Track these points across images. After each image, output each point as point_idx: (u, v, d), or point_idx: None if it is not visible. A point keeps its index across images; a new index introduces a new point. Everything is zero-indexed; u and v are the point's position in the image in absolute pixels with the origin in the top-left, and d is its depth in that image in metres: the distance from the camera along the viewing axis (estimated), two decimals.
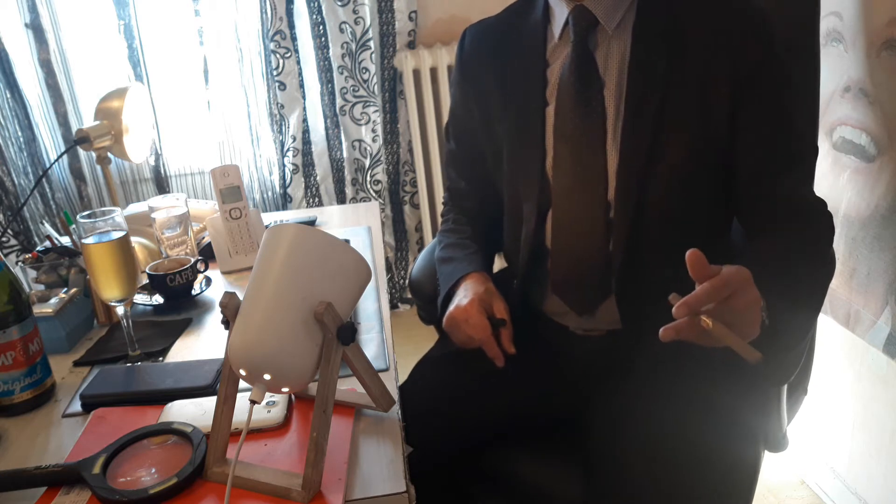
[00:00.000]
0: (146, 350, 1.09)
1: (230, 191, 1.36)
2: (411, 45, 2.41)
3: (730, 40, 0.98)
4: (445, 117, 2.36)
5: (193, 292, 1.27)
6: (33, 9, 2.17)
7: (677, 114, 1.00)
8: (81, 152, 2.33)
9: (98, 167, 2.05)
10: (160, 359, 1.09)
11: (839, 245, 1.50)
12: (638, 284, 1.06)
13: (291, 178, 2.46)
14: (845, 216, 1.48)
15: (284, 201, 2.50)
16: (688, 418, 0.97)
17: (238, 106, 2.39)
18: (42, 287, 1.23)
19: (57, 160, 2.29)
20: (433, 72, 2.40)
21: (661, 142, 1.01)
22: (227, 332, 0.80)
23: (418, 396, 1.12)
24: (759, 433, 1.07)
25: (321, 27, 2.32)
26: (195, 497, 0.77)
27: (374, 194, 2.54)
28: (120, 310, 1.04)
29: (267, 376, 0.76)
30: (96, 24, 2.27)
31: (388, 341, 1.08)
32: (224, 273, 1.38)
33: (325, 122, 2.43)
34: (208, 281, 1.32)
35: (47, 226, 1.50)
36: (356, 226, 1.60)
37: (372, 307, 1.18)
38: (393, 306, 2.72)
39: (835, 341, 1.58)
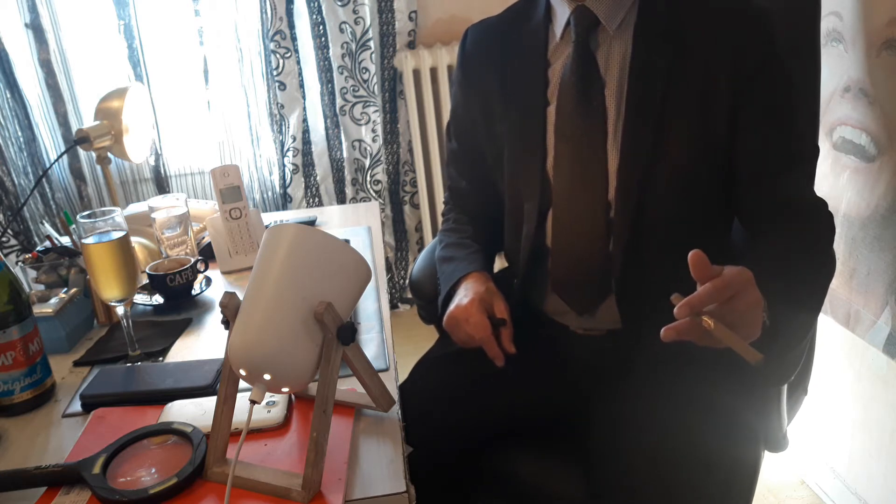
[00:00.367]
0: (146, 350, 1.09)
1: (230, 191, 1.36)
2: (411, 45, 2.41)
3: (730, 41, 0.98)
4: (445, 117, 2.36)
5: (193, 292, 1.27)
6: (33, 9, 2.17)
7: (678, 114, 1.00)
8: (81, 152, 2.33)
9: (98, 167, 2.05)
10: (160, 359, 1.09)
11: (839, 245, 1.50)
12: (638, 284, 1.06)
13: (291, 178, 2.46)
14: (845, 216, 1.48)
15: (284, 201, 2.50)
16: (688, 418, 0.97)
17: (238, 106, 2.39)
18: (42, 287, 1.23)
19: (57, 160, 2.29)
20: (433, 72, 2.40)
21: (661, 142, 1.01)
22: (227, 332, 0.80)
23: (418, 396, 1.12)
24: (760, 433, 1.06)
25: (321, 27, 2.32)
26: (195, 497, 0.77)
27: (374, 194, 2.53)
28: (120, 310, 1.04)
29: (267, 376, 0.76)
30: (96, 24, 2.27)
31: (388, 341, 1.08)
32: (224, 273, 1.38)
33: (325, 122, 2.43)
34: (208, 281, 1.32)
35: (47, 226, 1.50)
36: (356, 226, 1.60)
37: (372, 307, 1.18)
38: (393, 306, 2.71)
39: (835, 341, 1.57)
